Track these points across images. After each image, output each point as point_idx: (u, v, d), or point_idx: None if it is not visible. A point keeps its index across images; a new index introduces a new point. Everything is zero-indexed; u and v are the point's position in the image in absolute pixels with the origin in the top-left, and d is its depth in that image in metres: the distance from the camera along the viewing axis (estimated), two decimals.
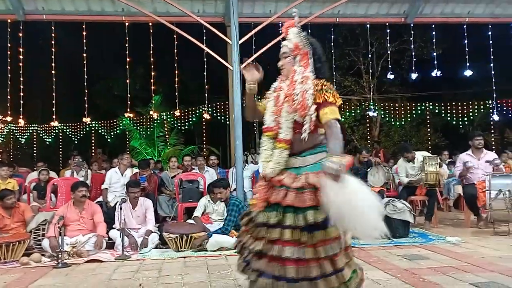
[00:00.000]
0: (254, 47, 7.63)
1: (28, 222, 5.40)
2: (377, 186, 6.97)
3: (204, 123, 15.81)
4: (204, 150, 16.18)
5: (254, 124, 16.96)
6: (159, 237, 5.46)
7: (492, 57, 9.50)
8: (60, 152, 15.88)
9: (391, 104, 16.69)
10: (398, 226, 5.54)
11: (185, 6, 7.54)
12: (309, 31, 9.16)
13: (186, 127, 15.79)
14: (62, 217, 4.90)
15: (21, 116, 9.33)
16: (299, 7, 7.90)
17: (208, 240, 5.06)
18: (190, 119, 15.66)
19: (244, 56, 7.02)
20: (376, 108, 15.63)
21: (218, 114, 15.73)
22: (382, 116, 16.78)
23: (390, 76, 10.96)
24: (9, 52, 8.65)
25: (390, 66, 11.22)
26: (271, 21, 7.38)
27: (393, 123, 16.83)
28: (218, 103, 15.74)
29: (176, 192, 6.69)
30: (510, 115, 15.12)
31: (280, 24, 8.10)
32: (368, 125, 17.83)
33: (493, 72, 9.87)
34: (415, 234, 5.75)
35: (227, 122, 13.60)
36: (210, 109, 14.80)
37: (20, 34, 8.53)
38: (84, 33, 8.74)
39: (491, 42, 9.40)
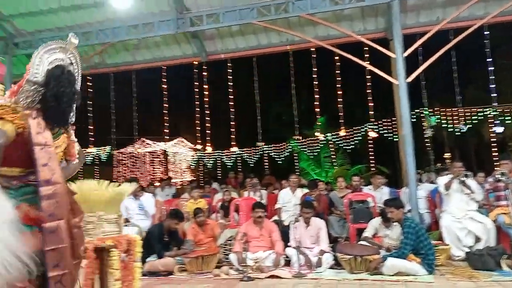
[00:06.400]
0: (421, 58, 7.20)
1: (217, 237, 6.14)
2: None
3: (369, 142, 15.43)
4: (372, 169, 15.71)
5: (427, 139, 15.80)
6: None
7: None
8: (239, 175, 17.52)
9: None
10: None
11: (346, 27, 7.65)
12: (487, 33, 8.18)
13: (352, 146, 15.65)
14: (245, 234, 5.42)
15: (207, 144, 10.80)
16: (471, 8, 7.22)
17: (384, 263, 4.89)
18: (355, 138, 15.48)
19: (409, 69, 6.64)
20: None
21: (385, 131, 15.15)
22: None
23: None
24: (196, 90, 10.18)
25: None
26: (440, 28, 6.88)
27: None
28: (384, 120, 15.19)
29: (346, 212, 6.68)
30: None
31: (450, 31, 7.55)
32: None
33: None
34: None
35: (395, 139, 12.97)
36: (375, 127, 14.39)
37: (204, 73, 9.98)
38: (255, 66, 9.72)
39: None
